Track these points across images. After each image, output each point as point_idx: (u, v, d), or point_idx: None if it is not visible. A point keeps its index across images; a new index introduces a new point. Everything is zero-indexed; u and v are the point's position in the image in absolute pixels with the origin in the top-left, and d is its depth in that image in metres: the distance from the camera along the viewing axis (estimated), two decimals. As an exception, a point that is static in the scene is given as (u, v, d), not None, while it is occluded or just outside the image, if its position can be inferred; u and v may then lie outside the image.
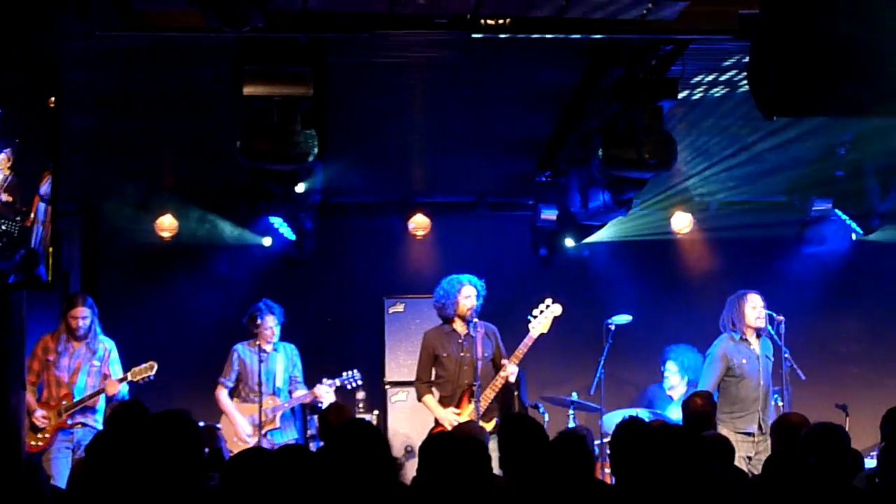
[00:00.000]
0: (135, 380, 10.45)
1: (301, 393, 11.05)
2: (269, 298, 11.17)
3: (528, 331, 10.44)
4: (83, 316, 10.46)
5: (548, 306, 10.54)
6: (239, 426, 10.90)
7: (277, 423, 10.88)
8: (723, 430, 10.04)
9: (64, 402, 10.30)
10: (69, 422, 10.29)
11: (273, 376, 10.95)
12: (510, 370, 10.24)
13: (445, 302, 10.44)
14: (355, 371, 11.20)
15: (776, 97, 6.87)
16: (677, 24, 7.50)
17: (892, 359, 12.92)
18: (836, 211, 12.21)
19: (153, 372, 10.50)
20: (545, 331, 10.44)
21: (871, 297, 13.00)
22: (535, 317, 10.47)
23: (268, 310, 10.90)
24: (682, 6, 7.20)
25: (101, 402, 10.44)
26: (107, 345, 10.64)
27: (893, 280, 12.98)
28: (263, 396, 10.73)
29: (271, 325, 10.90)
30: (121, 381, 10.40)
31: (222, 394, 11.01)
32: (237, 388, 11.05)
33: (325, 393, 10.92)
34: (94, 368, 10.50)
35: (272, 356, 10.98)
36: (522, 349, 10.32)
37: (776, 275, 11.93)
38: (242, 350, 11.04)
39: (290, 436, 10.96)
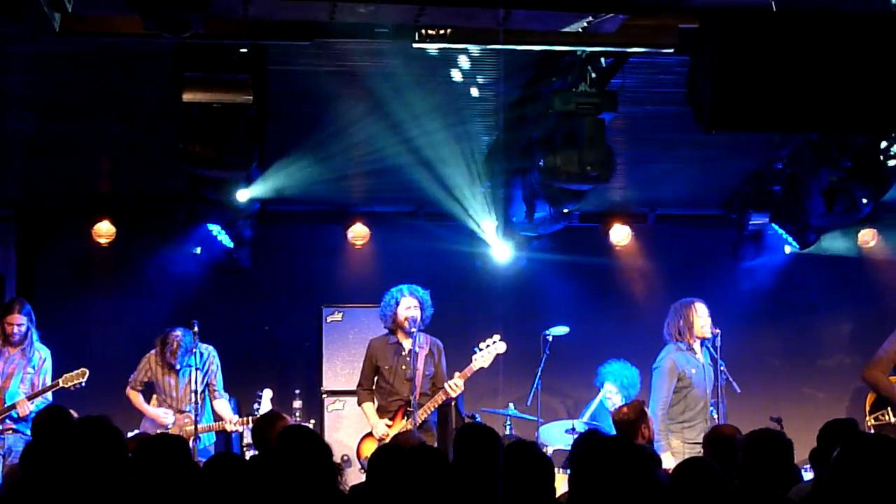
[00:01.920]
0: (66, 386, 10.36)
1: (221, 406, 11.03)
2: (206, 307, 11.30)
3: (470, 360, 10.39)
4: (19, 323, 10.42)
5: (494, 342, 10.45)
6: (160, 418, 10.84)
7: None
8: (673, 441, 10.12)
9: None
10: (0, 426, 10.19)
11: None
12: (457, 388, 10.21)
13: (386, 312, 10.45)
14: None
15: (715, 111, 6.93)
16: (618, 38, 7.56)
17: (824, 373, 13.04)
18: (773, 225, 12.30)
19: (84, 379, 10.41)
20: (486, 365, 10.36)
21: (806, 310, 13.10)
22: (479, 349, 10.41)
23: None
24: (622, 20, 7.25)
25: (34, 408, 10.28)
26: (42, 353, 10.58)
27: (827, 294, 13.10)
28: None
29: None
30: (31, 398, 10.29)
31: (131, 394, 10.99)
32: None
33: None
34: (28, 376, 10.47)
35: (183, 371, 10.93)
36: (466, 374, 10.27)
37: (712, 288, 11.96)
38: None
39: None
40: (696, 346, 10.42)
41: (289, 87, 9.12)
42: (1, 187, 5.48)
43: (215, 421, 10.94)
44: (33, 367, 10.49)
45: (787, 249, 12.40)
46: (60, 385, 10.36)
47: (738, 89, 6.87)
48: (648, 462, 5.11)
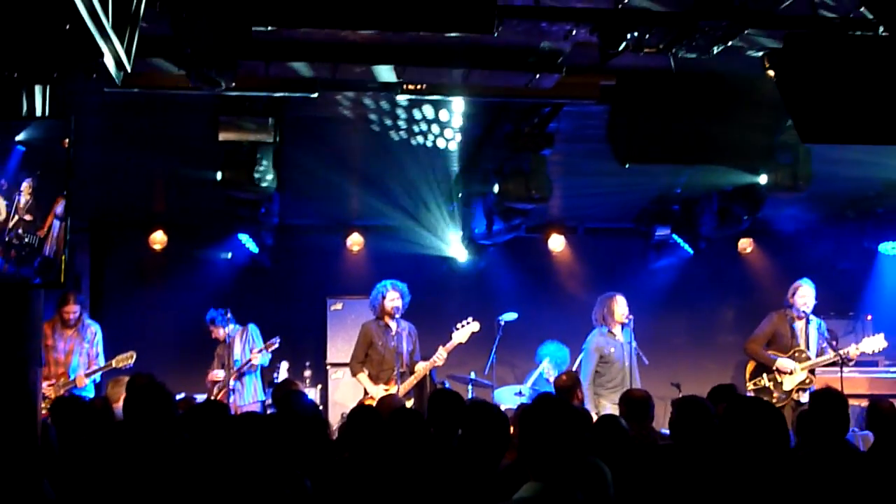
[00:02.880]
0: (118, 366, 10.20)
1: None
2: (238, 299, 11.40)
3: (450, 338, 10.38)
4: (74, 311, 10.33)
5: (469, 322, 10.48)
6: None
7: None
8: (603, 401, 10.19)
9: (62, 380, 10.14)
10: (65, 394, 10.10)
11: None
12: (441, 359, 10.23)
13: (375, 303, 10.41)
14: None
15: (629, 148, 6.97)
16: (554, 92, 7.57)
17: (714, 348, 13.08)
18: (674, 235, 12.34)
19: (132, 360, 10.25)
20: (463, 340, 10.38)
21: (699, 301, 13.15)
22: (457, 329, 10.44)
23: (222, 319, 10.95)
24: (557, 78, 7.26)
25: (89, 382, 10.25)
26: (93, 328, 10.49)
27: (715, 288, 13.17)
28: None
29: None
30: (88, 375, 10.21)
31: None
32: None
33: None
34: (84, 349, 10.36)
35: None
36: (443, 352, 10.25)
37: (627, 284, 11.96)
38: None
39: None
40: (616, 329, 10.48)
41: (302, 128, 9.11)
42: (78, 205, 5.47)
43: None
44: (88, 342, 10.38)
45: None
46: (113, 365, 10.22)
47: (645, 132, 6.91)
48: (581, 418, 5.14)
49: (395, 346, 10.18)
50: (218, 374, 10.83)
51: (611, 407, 10.00)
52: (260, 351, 10.68)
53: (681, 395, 6.83)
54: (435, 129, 9.34)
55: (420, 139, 9.53)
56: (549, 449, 3.70)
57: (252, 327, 11.00)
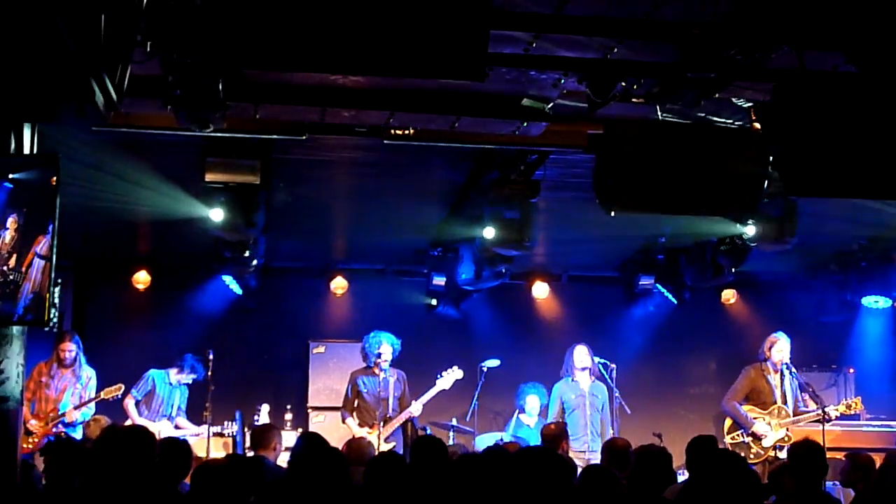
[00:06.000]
0: (106, 398, 10.31)
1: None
2: (220, 340, 11.32)
3: (434, 384, 10.63)
4: (69, 349, 10.33)
5: (453, 370, 10.74)
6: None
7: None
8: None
9: (52, 414, 10.11)
10: (54, 430, 10.06)
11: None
12: (415, 411, 10.42)
13: (368, 353, 10.54)
14: (232, 422, 10.98)
15: (614, 197, 6.96)
16: (540, 140, 7.59)
17: (695, 399, 13.07)
18: (657, 285, 12.36)
19: (120, 392, 10.39)
20: (447, 387, 10.66)
21: (681, 351, 13.16)
22: (441, 376, 10.68)
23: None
24: (544, 126, 7.29)
25: (78, 419, 10.20)
26: (89, 373, 10.48)
27: (698, 338, 13.18)
28: (159, 418, 10.83)
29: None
30: (77, 408, 10.19)
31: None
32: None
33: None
34: (77, 391, 10.33)
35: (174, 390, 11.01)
36: (426, 397, 10.53)
37: (609, 333, 12.01)
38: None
39: None
40: (580, 376, 10.74)
41: (288, 171, 9.11)
42: (61, 242, 5.42)
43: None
44: (81, 384, 10.36)
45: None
46: (102, 397, 10.30)
47: (631, 181, 6.92)
48: (567, 467, 5.13)
49: (383, 392, 10.30)
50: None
51: (572, 454, 10.02)
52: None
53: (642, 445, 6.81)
54: (421, 174, 9.36)
55: (406, 183, 9.54)
56: (535, 497, 3.69)
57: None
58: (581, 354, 10.76)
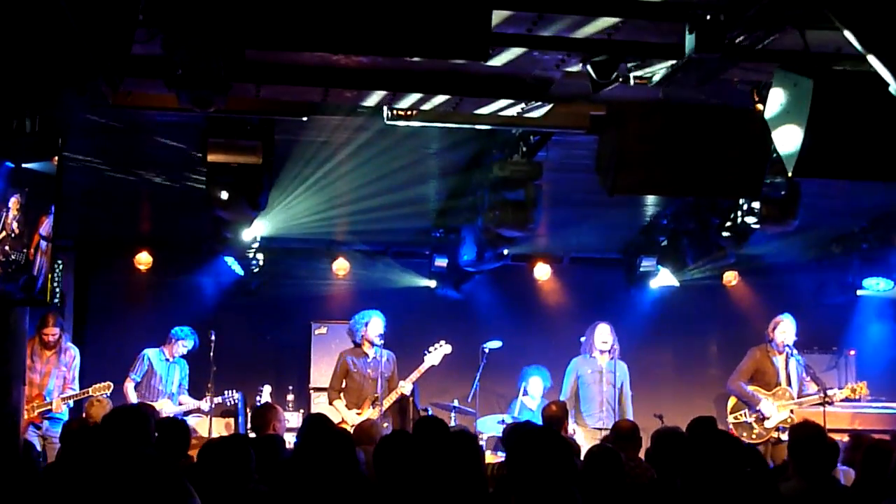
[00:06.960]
0: (94, 395, 10.09)
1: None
2: (222, 321, 11.34)
3: (422, 360, 10.55)
4: (53, 332, 10.32)
5: (441, 346, 10.66)
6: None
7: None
8: (578, 426, 10.27)
9: (37, 401, 10.11)
10: (41, 419, 10.15)
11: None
12: (405, 388, 10.39)
13: (356, 331, 10.51)
14: (234, 391, 11.03)
15: (616, 178, 6.96)
16: (543, 121, 7.58)
17: (697, 380, 13.08)
18: (659, 266, 12.36)
19: (109, 391, 10.22)
20: (436, 363, 10.59)
21: (683, 332, 13.17)
22: (430, 352, 10.59)
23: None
24: (547, 107, 7.28)
25: (64, 410, 10.26)
26: (72, 352, 10.50)
27: (700, 320, 13.19)
28: (160, 397, 10.83)
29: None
30: (64, 399, 10.21)
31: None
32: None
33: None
34: (61, 372, 10.35)
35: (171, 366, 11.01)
36: (416, 374, 10.50)
37: (611, 315, 11.97)
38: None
39: None
40: (597, 354, 10.73)
41: (290, 152, 9.09)
42: (63, 224, 5.43)
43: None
44: (65, 365, 10.37)
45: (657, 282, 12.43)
46: (90, 393, 10.17)
47: (632, 162, 6.91)
48: (570, 448, 5.14)
49: (372, 372, 10.30)
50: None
51: (586, 431, 10.11)
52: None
53: (661, 427, 6.84)
54: (423, 155, 9.34)
55: (409, 164, 9.52)
56: (535, 477, 3.70)
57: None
58: (603, 332, 10.80)
